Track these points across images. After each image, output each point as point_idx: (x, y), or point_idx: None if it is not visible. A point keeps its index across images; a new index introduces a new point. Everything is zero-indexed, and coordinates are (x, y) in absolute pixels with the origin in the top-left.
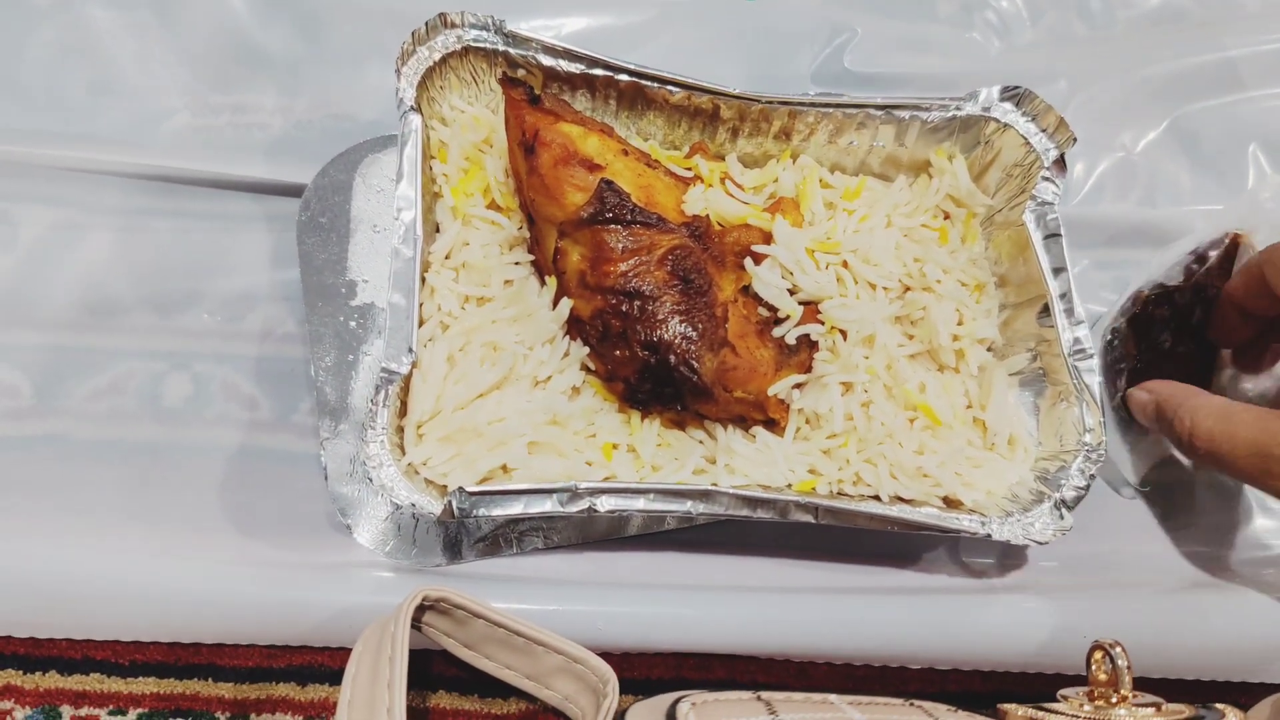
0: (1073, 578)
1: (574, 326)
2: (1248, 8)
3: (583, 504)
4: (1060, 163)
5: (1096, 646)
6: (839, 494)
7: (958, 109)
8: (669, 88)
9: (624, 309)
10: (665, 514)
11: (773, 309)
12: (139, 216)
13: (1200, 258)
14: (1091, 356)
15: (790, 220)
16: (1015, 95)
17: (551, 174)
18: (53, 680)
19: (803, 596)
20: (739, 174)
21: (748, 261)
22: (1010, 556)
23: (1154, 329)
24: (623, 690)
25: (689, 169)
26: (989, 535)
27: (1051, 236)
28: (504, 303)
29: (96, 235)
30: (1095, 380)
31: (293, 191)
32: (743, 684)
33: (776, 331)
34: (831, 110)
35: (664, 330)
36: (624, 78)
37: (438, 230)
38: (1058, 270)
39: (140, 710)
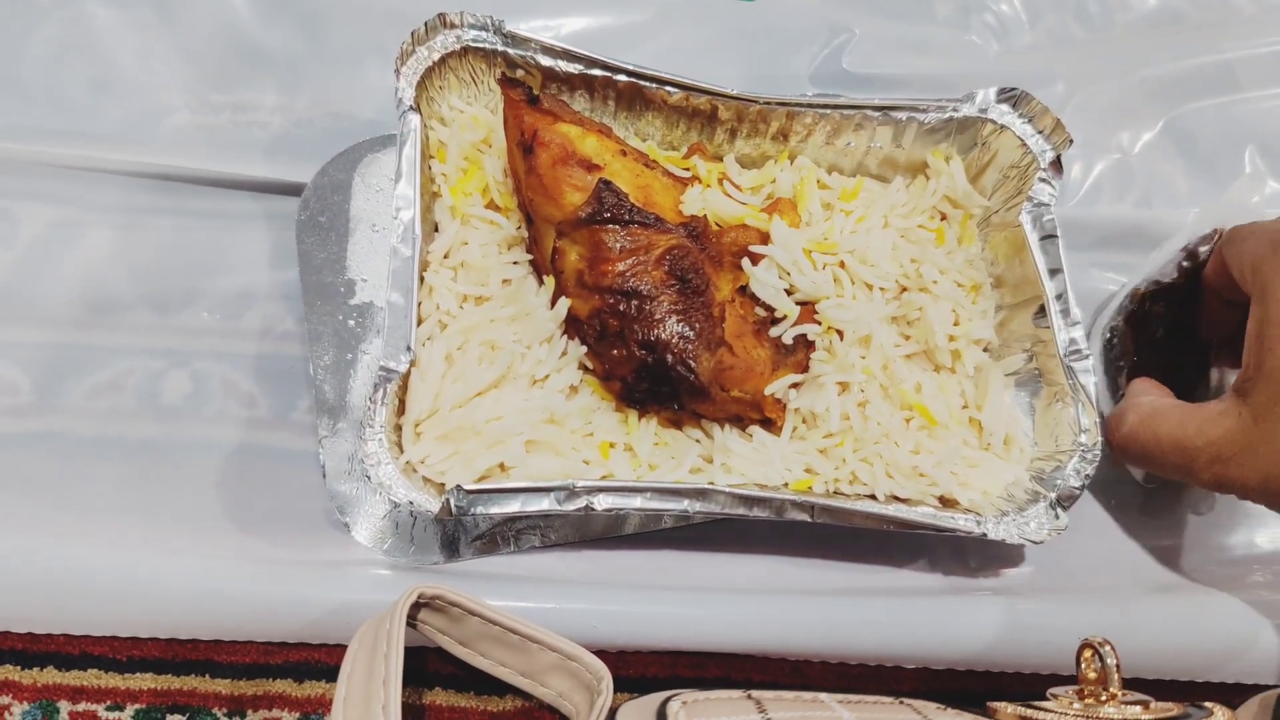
0: (1068, 578)
1: (572, 326)
2: (1244, 11)
3: (580, 502)
4: (1057, 164)
5: (1086, 645)
6: (835, 493)
7: (955, 110)
8: (667, 88)
9: (621, 308)
10: (662, 512)
11: (770, 309)
12: (139, 214)
13: (1191, 254)
14: (1087, 357)
15: (787, 221)
16: (1012, 97)
17: (550, 174)
18: (50, 675)
19: (798, 596)
20: (737, 174)
21: (745, 261)
22: (1005, 556)
23: (1151, 325)
24: (618, 688)
25: (687, 169)
26: (984, 534)
27: (1048, 238)
28: (502, 302)
29: (96, 233)
30: (1091, 381)
31: (292, 190)
32: (737, 682)
33: (773, 331)
34: (829, 111)
35: (661, 330)
36: (622, 78)
37: (436, 229)
38: (1054, 271)
39: (137, 706)
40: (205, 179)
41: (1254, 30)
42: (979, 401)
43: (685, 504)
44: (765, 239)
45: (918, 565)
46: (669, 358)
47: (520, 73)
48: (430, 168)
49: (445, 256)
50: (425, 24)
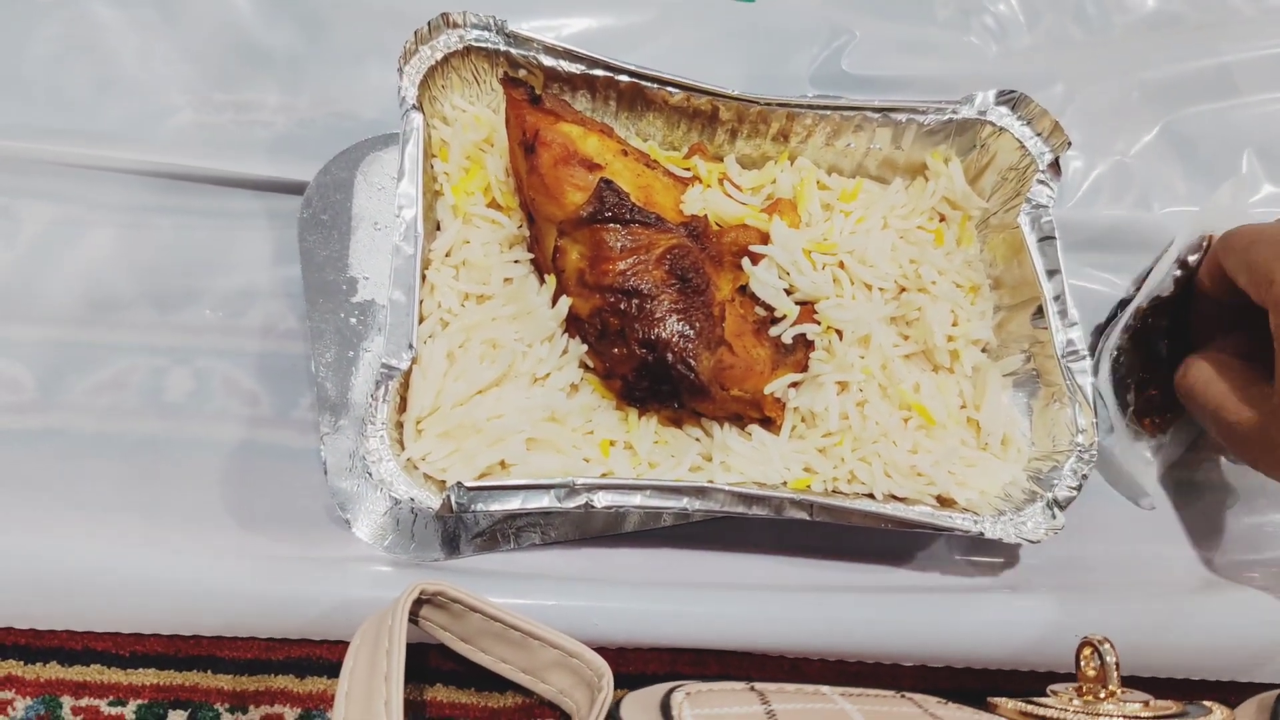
0: (1064, 577)
1: (573, 324)
2: (1243, 13)
3: (580, 500)
4: (1055, 166)
5: (1085, 643)
6: (834, 492)
7: (954, 112)
8: (668, 89)
9: (622, 307)
10: (661, 510)
11: (769, 308)
12: (141, 213)
13: (1183, 264)
14: (1084, 358)
15: (787, 221)
16: (1011, 99)
17: (551, 173)
18: (53, 671)
19: (797, 594)
20: (737, 175)
21: (745, 261)
22: (1002, 555)
23: (1154, 340)
24: (618, 685)
25: (688, 169)
26: (982, 534)
27: (1046, 239)
28: (504, 300)
29: (99, 231)
30: (1088, 381)
31: (294, 189)
32: (737, 679)
33: (773, 331)
34: (829, 113)
35: (662, 328)
36: (624, 78)
37: (438, 228)
38: (1052, 272)
39: (140, 701)
40: (208, 177)
41: (1253, 33)
42: (977, 401)
43: (685, 502)
44: (765, 239)
45: (915, 564)
46: (669, 356)
47: (522, 72)
48: (432, 166)
49: (447, 255)
50: (428, 23)
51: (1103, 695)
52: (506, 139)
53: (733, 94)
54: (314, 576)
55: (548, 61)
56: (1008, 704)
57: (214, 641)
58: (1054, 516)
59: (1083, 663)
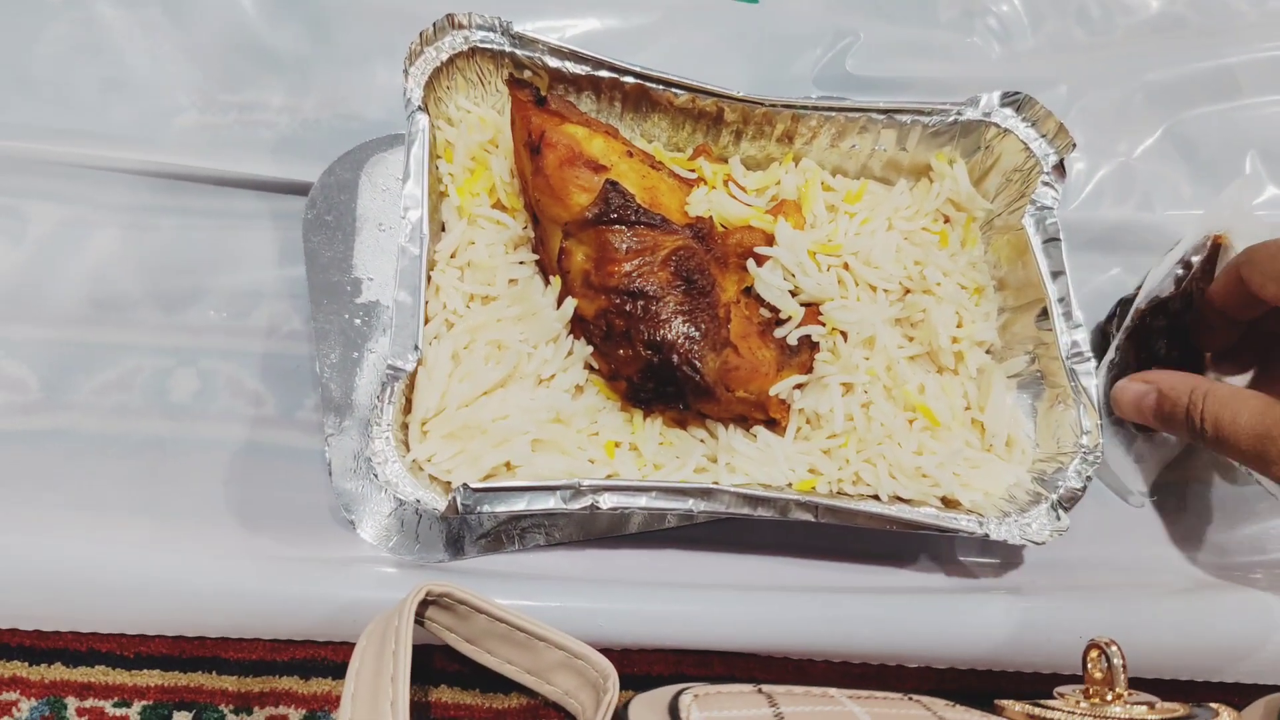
0: (1069, 578)
1: (578, 325)
2: (1246, 16)
3: (585, 501)
4: (1060, 168)
5: (1092, 645)
6: (839, 493)
7: (959, 114)
8: (673, 90)
9: (628, 309)
10: (666, 511)
11: (774, 310)
12: (147, 213)
13: (1185, 264)
14: (1089, 360)
15: (792, 222)
16: (1015, 101)
17: (557, 175)
18: (58, 672)
19: (801, 595)
20: (742, 176)
21: (750, 263)
22: (1007, 557)
23: (1152, 340)
24: (623, 686)
25: (693, 171)
26: (986, 535)
27: (1050, 241)
28: (509, 301)
29: (104, 232)
30: (1093, 383)
31: (299, 190)
32: (742, 679)
33: (778, 332)
34: (834, 114)
35: (667, 330)
36: (629, 80)
37: (443, 229)
38: (1056, 274)
39: (145, 702)
40: (213, 178)
41: (1256, 35)
42: (981, 403)
43: (690, 503)
44: (770, 240)
45: (920, 565)
46: (675, 358)
47: (528, 74)
48: (437, 168)
49: (452, 256)
50: (434, 25)
51: (1110, 697)
52: (511, 140)
53: (738, 95)
54: (319, 578)
55: (553, 63)
56: (1015, 706)
57: (219, 643)
58: (1058, 518)
59: (1089, 665)
